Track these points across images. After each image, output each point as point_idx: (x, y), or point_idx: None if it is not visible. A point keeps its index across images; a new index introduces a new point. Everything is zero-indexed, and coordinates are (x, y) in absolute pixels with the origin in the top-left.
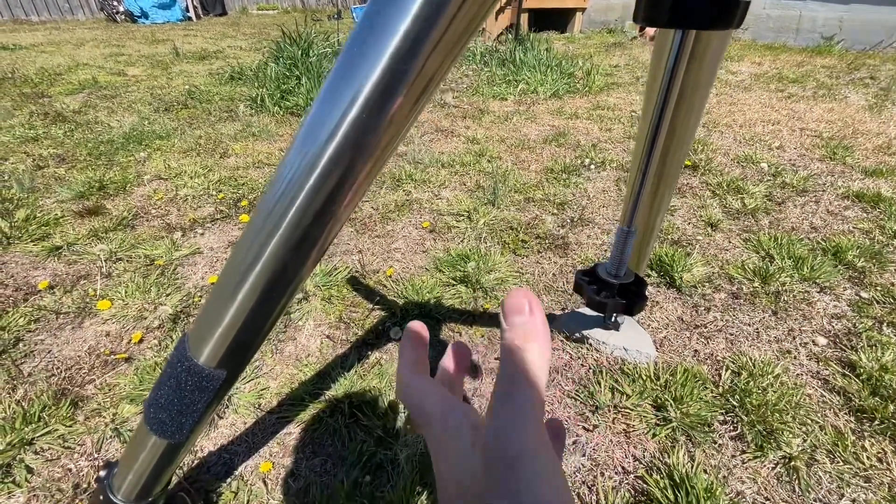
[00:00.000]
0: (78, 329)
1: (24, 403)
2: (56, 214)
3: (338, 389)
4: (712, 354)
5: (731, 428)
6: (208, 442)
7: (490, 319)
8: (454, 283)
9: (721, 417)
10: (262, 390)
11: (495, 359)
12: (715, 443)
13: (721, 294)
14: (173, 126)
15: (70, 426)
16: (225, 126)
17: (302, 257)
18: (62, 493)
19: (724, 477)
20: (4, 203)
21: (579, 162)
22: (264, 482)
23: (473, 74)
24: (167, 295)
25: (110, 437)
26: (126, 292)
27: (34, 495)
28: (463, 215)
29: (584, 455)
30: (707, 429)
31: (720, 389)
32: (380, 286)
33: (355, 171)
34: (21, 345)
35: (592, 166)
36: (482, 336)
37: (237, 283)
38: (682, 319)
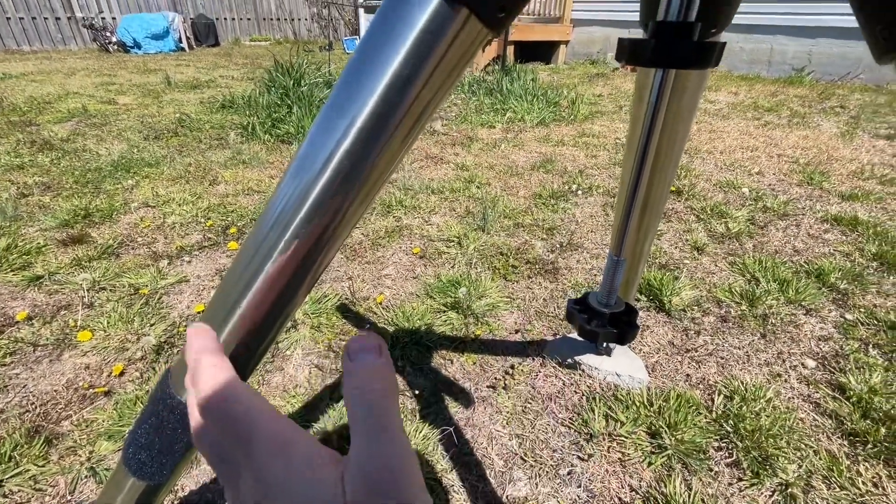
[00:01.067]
0: (56, 362)
1: None
2: (39, 243)
3: (327, 421)
4: (704, 378)
5: (727, 454)
6: (189, 480)
7: (482, 346)
8: (445, 309)
9: (716, 444)
10: None
11: (487, 386)
12: (711, 470)
13: (710, 317)
14: (163, 154)
15: (43, 466)
16: (215, 154)
17: (294, 286)
18: None
19: None
20: None
21: (567, 188)
22: None
23: (462, 103)
24: (151, 325)
25: (85, 476)
26: (108, 323)
27: None
28: (453, 241)
29: (579, 486)
30: (702, 456)
31: (714, 415)
32: (370, 313)
33: (349, 200)
34: None
35: (580, 192)
36: (474, 363)
37: (224, 316)
38: (672, 343)
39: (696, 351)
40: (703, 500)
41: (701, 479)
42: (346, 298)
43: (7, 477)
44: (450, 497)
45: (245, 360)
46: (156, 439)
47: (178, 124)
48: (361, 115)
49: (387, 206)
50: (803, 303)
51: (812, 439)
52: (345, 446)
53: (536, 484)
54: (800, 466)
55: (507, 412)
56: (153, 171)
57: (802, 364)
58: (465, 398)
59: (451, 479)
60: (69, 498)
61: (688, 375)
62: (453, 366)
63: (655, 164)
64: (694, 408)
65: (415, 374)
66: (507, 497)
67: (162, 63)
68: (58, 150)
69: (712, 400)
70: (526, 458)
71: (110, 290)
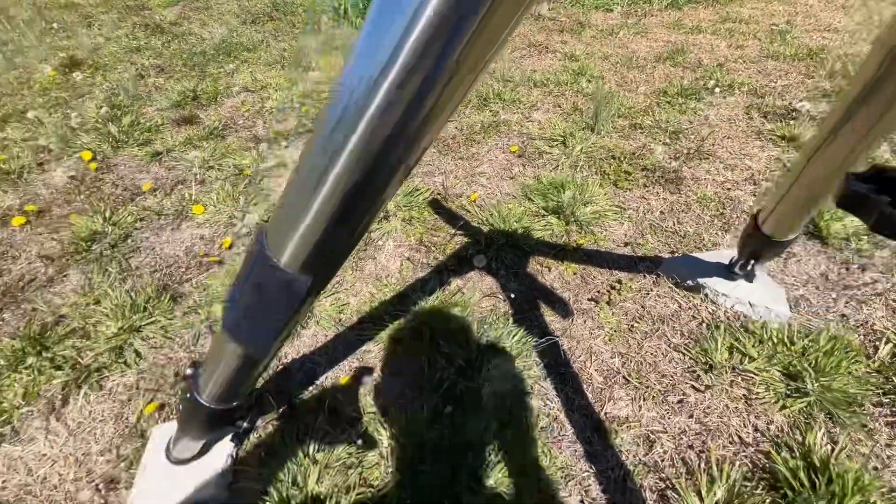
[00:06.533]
0: (176, 230)
1: (132, 294)
2: (157, 121)
3: (418, 313)
4: (867, 322)
5: (889, 412)
6: (291, 349)
7: (584, 256)
8: (545, 213)
9: (875, 398)
10: (342, 306)
11: (588, 299)
12: (865, 427)
13: (883, 252)
14: (259, 38)
15: (170, 319)
16: (308, 39)
17: (382, 169)
18: (164, 379)
19: (877, 469)
20: (113, 109)
21: (701, 84)
22: (343, 395)
23: None
24: (255, 204)
25: (205, 333)
26: (217, 199)
27: (142, 377)
28: (556, 140)
29: (691, 416)
30: (856, 409)
31: (875, 365)
32: (462, 211)
33: (433, 83)
34: (129, 240)
35: (717, 90)
36: (574, 273)
37: (314, 185)
38: (826, 277)
39: (859, 289)
40: (849, 457)
41: (850, 435)
42: (439, 194)
43: (144, 324)
44: (546, 404)
45: (340, 235)
46: (255, 305)
47: (272, 7)
48: None
49: (483, 98)
50: None
51: None
52: (436, 338)
53: (640, 406)
54: None
55: (611, 328)
56: (251, 55)
57: None
58: (562, 308)
59: (545, 387)
60: (193, 348)
61: (844, 316)
62: (551, 274)
63: None
64: (851, 354)
65: (508, 278)
66: (605, 414)
67: None
68: (167, 34)
69: (875, 348)
70: (629, 379)
71: (218, 169)
